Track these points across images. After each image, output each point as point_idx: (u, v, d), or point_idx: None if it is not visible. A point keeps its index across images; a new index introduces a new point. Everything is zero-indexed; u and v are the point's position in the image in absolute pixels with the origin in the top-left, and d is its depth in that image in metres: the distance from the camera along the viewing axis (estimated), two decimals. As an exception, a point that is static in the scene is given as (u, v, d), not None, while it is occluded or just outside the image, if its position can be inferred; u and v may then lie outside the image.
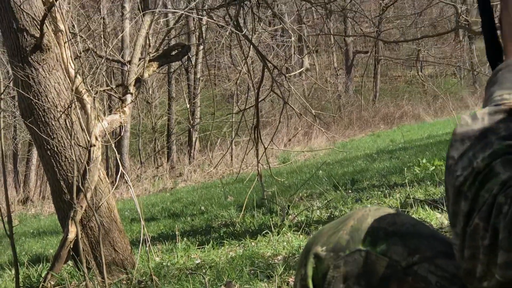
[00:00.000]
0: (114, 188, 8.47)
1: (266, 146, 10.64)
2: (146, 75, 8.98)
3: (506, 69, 1.67)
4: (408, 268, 1.80)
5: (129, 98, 8.67)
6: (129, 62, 9.17)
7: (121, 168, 8.74)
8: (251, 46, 10.83)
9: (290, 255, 7.15)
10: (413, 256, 1.81)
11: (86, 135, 7.87)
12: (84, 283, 6.89)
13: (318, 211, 10.29)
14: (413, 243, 1.83)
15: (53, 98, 7.83)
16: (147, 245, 7.80)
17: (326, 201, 10.73)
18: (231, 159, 24.74)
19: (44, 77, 7.83)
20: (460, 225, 1.48)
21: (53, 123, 7.79)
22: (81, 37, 10.08)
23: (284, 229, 8.80)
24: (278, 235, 8.57)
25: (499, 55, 1.83)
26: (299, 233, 8.60)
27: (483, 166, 1.45)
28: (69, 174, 7.71)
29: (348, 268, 1.89)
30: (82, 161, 7.73)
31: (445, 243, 1.86)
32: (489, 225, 1.41)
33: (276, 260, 6.95)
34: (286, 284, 6.02)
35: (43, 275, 7.69)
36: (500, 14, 1.72)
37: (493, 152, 1.46)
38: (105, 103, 22.86)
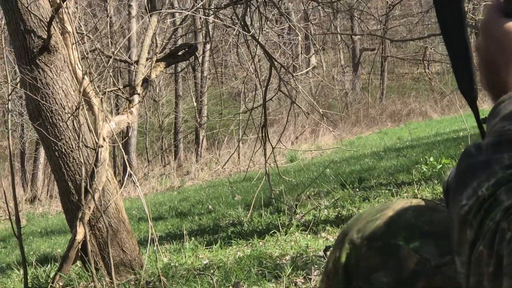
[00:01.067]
0: (122, 188, 8.54)
1: (273, 146, 10.66)
2: (153, 75, 9.02)
3: (508, 100, 1.64)
4: (437, 268, 1.82)
5: (136, 98, 8.70)
6: (136, 62, 9.24)
7: (128, 168, 8.77)
8: (258, 45, 10.81)
9: (298, 255, 7.16)
10: (444, 257, 1.83)
11: (93, 136, 7.92)
12: (92, 284, 6.94)
13: (325, 210, 10.33)
14: (445, 245, 1.82)
15: (61, 99, 7.89)
16: (155, 245, 8.07)
17: (333, 200, 10.78)
18: (238, 158, 24.80)
19: (51, 79, 7.88)
20: (465, 253, 1.47)
21: (61, 124, 7.84)
22: (89, 37, 10.20)
23: (291, 228, 8.86)
24: (285, 234, 8.63)
25: (473, 85, 1.88)
26: (307, 232, 8.64)
27: (488, 195, 1.44)
28: (77, 175, 7.79)
29: (379, 259, 1.91)
30: (90, 162, 7.84)
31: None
32: (493, 251, 1.40)
33: (284, 260, 6.99)
34: (294, 284, 6.06)
35: (51, 276, 7.77)
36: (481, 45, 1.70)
37: (497, 181, 1.46)
38: (112, 102, 22.86)
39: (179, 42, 19.08)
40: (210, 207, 14.47)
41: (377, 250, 1.95)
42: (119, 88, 10.02)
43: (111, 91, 10.06)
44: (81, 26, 10.07)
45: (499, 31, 1.67)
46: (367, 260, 1.97)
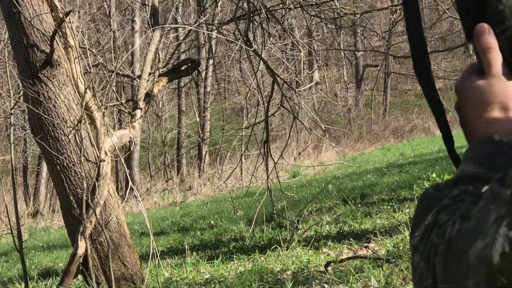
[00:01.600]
0: (123, 203, 8.60)
1: (276, 161, 10.67)
2: (155, 90, 9.10)
3: (471, 148, 1.70)
4: None
5: (138, 113, 8.81)
6: (139, 76, 9.34)
7: (130, 183, 8.83)
8: (261, 60, 10.83)
9: (299, 270, 7.23)
10: None
11: (95, 150, 8.12)
12: None
13: (327, 226, 10.40)
14: None
15: (63, 113, 8.06)
16: (157, 260, 8.12)
17: (335, 215, 10.89)
18: (241, 173, 24.90)
19: (54, 93, 8.05)
20: (414, 278, 1.49)
21: (63, 138, 8.02)
22: (91, 52, 10.21)
23: (293, 244, 8.94)
24: (287, 250, 8.70)
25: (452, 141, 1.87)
26: (308, 248, 8.66)
27: (432, 221, 1.48)
28: (78, 189, 7.95)
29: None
30: (92, 177, 7.94)
31: None
32: (430, 265, 1.44)
33: (285, 275, 7.05)
34: None
35: None
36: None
37: (440, 207, 1.49)
38: (114, 117, 22.93)
39: (182, 57, 19.16)
40: (212, 222, 14.55)
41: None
42: (122, 103, 10.05)
43: (113, 105, 10.13)
44: (84, 40, 10.08)
45: (470, 89, 1.71)
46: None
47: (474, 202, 1.45)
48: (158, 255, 8.34)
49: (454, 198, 1.52)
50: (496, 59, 1.67)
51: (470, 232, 1.38)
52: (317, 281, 6.71)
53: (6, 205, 9.24)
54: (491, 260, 1.31)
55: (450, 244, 1.43)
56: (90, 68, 9.09)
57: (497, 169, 1.54)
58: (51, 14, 8.37)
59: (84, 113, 8.07)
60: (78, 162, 8.05)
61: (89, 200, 7.86)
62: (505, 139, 1.63)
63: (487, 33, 1.65)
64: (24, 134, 26.75)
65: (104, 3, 29.46)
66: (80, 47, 9.00)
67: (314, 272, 7.17)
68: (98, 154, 8.04)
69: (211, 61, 27.94)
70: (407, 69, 49.79)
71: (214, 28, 12.84)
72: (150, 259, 8.24)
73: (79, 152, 8.10)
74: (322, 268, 7.30)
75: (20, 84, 8.94)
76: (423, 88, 1.86)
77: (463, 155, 1.72)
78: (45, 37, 8.10)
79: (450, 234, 1.43)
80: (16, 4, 8.08)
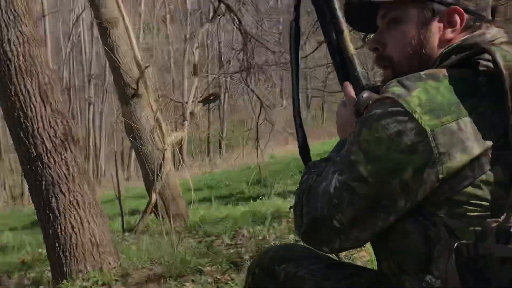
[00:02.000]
0: (177, 172, 8.88)
1: (261, 149, 11.39)
2: (196, 110, 9.28)
3: (336, 144, 1.76)
4: (295, 274, 1.77)
5: (186, 123, 8.98)
6: (187, 102, 9.58)
7: (181, 162, 9.81)
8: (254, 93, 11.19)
9: (274, 211, 6.74)
10: (297, 268, 1.78)
11: (162, 144, 7.90)
12: (160, 227, 6.52)
13: (292, 186, 10.57)
14: (298, 263, 1.80)
15: (144, 123, 7.93)
16: (195, 205, 8.25)
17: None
18: (243, 156, 23.88)
19: (138, 113, 7.92)
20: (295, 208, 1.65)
21: (144, 137, 7.87)
22: (160, 89, 10.82)
23: (271, 195, 8.82)
24: (268, 199, 8.46)
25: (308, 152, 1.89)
26: (281, 197, 8.64)
27: (306, 177, 1.65)
28: (152, 165, 7.81)
29: (272, 285, 1.84)
30: (160, 158, 7.81)
31: (315, 257, 1.84)
32: (300, 199, 1.59)
33: (267, 214, 6.54)
34: (273, 227, 5.68)
35: (136, 223, 7.76)
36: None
37: (313, 171, 1.66)
38: (173, 125, 23.00)
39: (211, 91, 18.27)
40: (226, 183, 14.44)
41: (264, 275, 1.86)
42: (177, 117, 10.54)
43: (173, 119, 10.67)
44: (156, 81, 10.55)
45: (338, 114, 1.80)
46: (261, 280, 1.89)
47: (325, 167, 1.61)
48: (196, 202, 8.27)
49: (321, 167, 1.62)
50: (352, 100, 1.71)
51: (320, 180, 1.54)
52: (284, 217, 6.18)
53: (116, 172, 9.02)
54: (329, 191, 1.48)
55: (310, 187, 1.57)
56: (159, 98, 8.98)
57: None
58: (136, 67, 8.02)
59: (156, 123, 7.88)
60: (152, 150, 7.82)
61: (158, 171, 7.62)
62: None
63: (349, 86, 1.75)
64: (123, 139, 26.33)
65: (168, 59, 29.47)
66: (153, 85, 8.81)
67: (283, 211, 6.53)
68: (163, 146, 7.84)
69: (227, 94, 28.84)
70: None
71: (228, 75, 12.57)
72: (192, 204, 8.09)
73: (153, 145, 7.83)
74: (288, 210, 6.39)
75: (120, 107, 8.53)
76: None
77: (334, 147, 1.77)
78: (134, 80, 7.88)
79: (311, 182, 1.60)
80: (118, 62, 7.90)
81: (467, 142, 1.31)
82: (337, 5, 1.72)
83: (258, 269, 1.83)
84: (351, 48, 1.74)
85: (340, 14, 1.73)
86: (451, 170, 1.31)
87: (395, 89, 1.36)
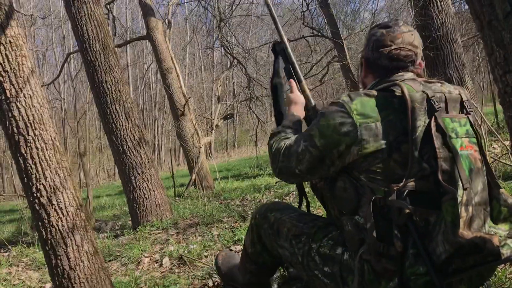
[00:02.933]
0: (208, 160, 8.16)
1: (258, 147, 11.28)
2: (219, 123, 9.07)
3: (287, 116, 1.72)
4: (280, 218, 1.71)
5: (213, 132, 8.92)
6: (214, 119, 9.38)
7: (210, 155, 9.68)
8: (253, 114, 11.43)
9: (266, 184, 6.47)
10: (281, 215, 1.72)
11: (198, 143, 7.74)
12: (198, 194, 6.40)
13: None
14: (282, 212, 1.73)
15: (188, 131, 7.76)
16: (218, 180, 7.97)
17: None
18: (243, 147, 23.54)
19: (184, 125, 7.78)
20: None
21: (187, 140, 7.68)
22: (197, 111, 10.81)
23: (265, 175, 8.47)
24: (262, 177, 8.22)
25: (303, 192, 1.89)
26: (271, 177, 7.93)
27: (273, 141, 1.62)
28: (192, 156, 7.67)
29: (266, 225, 1.77)
30: (197, 153, 7.64)
31: (292, 208, 1.77)
32: (275, 157, 1.57)
33: (262, 186, 6.31)
34: (265, 194, 5.44)
35: (183, 191, 7.45)
36: None
37: (279, 136, 1.63)
38: (206, 131, 22.93)
39: (228, 111, 17.68)
40: (237, 167, 13.28)
41: (261, 217, 1.78)
42: (208, 127, 10.20)
43: (206, 130, 10.31)
44: (195, 106, 10.56)
45: (287, 96, 1.78)
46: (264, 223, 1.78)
47: (287, 136, 1.61)
48: (219, 178, 8.07)
49: (285, 132, 1.62)
50: (295, 88, 1.75)
51: (292, 143, 1.52)
52: (272, 189, 5.84)
53: (171, 161, 9.05)
54: (297, 150, 1.46)
55: (285, 148, 1.53)
56: (197, 116, 9.16)
57: (292, 126, 1.66)
58: (183, 97, 7.84)
59: (195, 132, 7.73)
60: (192, 147, 7.68)
61: (196, 160, 7.47)
62: (296, 114, 1.70)
63: (293, 82, 1.77)
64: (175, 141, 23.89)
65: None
66: (194, 108, 8.51)
67: (272, 184, 6.26)
68: (199, 145, 7.68)
69: (237, 114, 27.14)
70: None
71: (239, 102, 12.31)
72: (216, 179, 7.82)
73: (192, 144, 7.68)
74: (275, 184, 6.22)
75: (174, 121, 8.08)
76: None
77: (286, 116, 1.71)
78: (181, 105, 7.73)
79: (286, 144, 1.54)
80: (172, 94, 7.78)
81: (379, 135, 1.34)
82: (294, 59, 1.76)
83: (258, 215, 1.81)
84: (308, 92, 1.76)
85: (297, 68, 1.79)
86: (367, 151, 1.35)
87: (344, 98, 1.41)
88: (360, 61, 1.61)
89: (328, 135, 1.40)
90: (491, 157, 3.59)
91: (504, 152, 3.77)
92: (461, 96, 1.41)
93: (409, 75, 1.49)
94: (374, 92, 1.41)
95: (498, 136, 3.08)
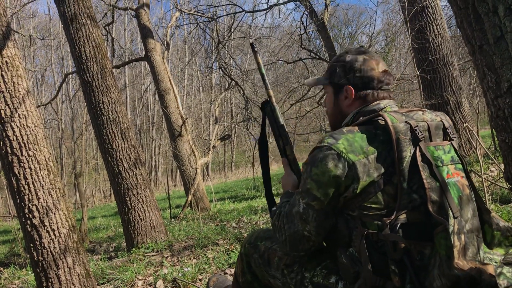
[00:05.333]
0: (204, 182, 8.86)
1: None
2: (216, 144, 8.55)
3: (283, 193, 1.65)
4: (270, 247, 1.67)
5: (210, 153, 8.44)
6: (211, 139, 9.08)
7: (207, 176, 9.66)
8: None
9: (263, 206, 6.54)
10: (272, 244, 1.67)
11: (195, 164, 7.65)
12: (195, 215, 6.35)
13: (275, 191, 9.16)
14: (273, 240, 1.68)
15: (184, 152, 7.82)
16: (215, 202, 8.10)
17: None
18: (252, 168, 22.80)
19: (181, 146, 7.83)
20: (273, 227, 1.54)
21: (184, 161, 7.74)
22: (194, 131, 10.86)
23: (262, 196, 8.62)
24: (259, 198, 8.31)
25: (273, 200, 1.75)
26: None
27: (278, 211, 1.54)
28: (189, 177, 7.69)
29: (256, 255, 1.71)
30: (193, 174, 7.56)
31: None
32: (278, 223, 1.50)
33: (259, 208, 6.39)
34: (262, 216, 5.41)
35: (178, 213, 7.23)
36: None
37: (281, 207, 1.55)
38: (203, 152, 23.04)
39: (225, 132, 17.82)
40: (235, 189, 13.16)
41: (254, 249, 1.71)
42: (205, 148, 10.44)
43: (203, 150, 10.55)
44: (192, 127, 10.59)
45: (282, 178, 1.71)
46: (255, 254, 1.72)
47: (288, 203, 1.53)
48: (215, 200, 8.20)
49: (282, 207, 1.54)
50: (288, 169, 1.69)
51: (290, 206, 1.47)
52: (268, 211, 4.77)
53: (167, 181, 8.73)
54: (299, 211, 1.41)
55: (286, 213, 1.48)
56: (194, 137, 9.16)
57: (289, 198, 1.59)
58: (180, 118, 7.85)
59: (191, 153, 7.69)
60: (189, 168, 7.68)
61: (192, 181, 7.32)
62: (290, 191, 1.65)
63: (285, 162, 1.70)
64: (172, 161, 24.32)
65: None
66: (191, 129, 8.60)
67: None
68: (196, 166, 7.51)
69: (235, 135, 26.88)
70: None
71: (236, 123, 12.09)
72: (212, 201, 7.91)
73: (189, 165, 7.68)
74: None
75: (170, 142, 8.13)
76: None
77: (281, 195, 1.64)
78: (179, 126, 7.76)
79: (286, 210, 1.50)
80: (169, 115, 7.80)
81: (370, 170, 1.32)
82: (281, 120, 1.72)
83: (247, 244, 1.76)
84: (291, 150, 1.69)
85: (285, 131, 1.73)
86: (362, 187, 1.32)
87: (328, 140, 1.37)
88: (337, 90, 1.55)
89: (325, 182, 1.35)
90: (488, 180, 3.60)
91: (501, 175, 3.76)
92: (443, 122, 1.41)
93: (387, 102, 1.49)
94: (356, 128, 1.40)
95: (494, 160, 3.02)
